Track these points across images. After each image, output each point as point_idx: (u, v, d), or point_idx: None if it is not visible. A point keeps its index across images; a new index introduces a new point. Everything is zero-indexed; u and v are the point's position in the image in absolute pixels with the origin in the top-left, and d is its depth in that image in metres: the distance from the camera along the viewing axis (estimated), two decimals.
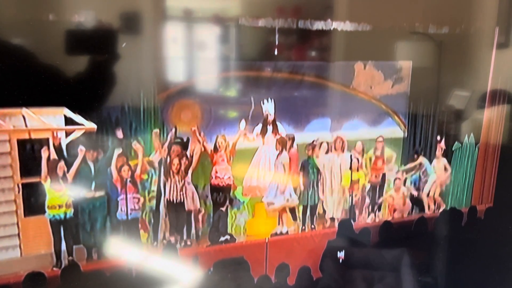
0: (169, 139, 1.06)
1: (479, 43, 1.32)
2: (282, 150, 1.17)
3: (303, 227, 1.24)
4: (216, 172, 1.12)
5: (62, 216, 0.99)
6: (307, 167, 1.21)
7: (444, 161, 1.37)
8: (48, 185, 0.96)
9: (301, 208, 1.22)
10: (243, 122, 1.11)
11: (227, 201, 1.14)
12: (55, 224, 0.99)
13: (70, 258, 1.01)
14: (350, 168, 1.25)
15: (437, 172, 1.37)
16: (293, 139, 1.17)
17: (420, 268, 1.38)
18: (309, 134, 1.18)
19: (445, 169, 1.38)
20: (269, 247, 1.19)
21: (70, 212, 0.99)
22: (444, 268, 1.43)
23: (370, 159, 1.28)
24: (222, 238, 1.15)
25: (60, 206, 0.98)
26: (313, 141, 1.20)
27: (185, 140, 1.08)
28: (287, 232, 1.22)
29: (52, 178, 0.96)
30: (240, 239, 1.17)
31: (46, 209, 0.97)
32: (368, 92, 1.23)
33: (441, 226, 1.41)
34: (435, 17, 1.22)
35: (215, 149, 1.11)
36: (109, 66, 0.95)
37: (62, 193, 0.98)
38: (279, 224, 1.21)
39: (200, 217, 1.13)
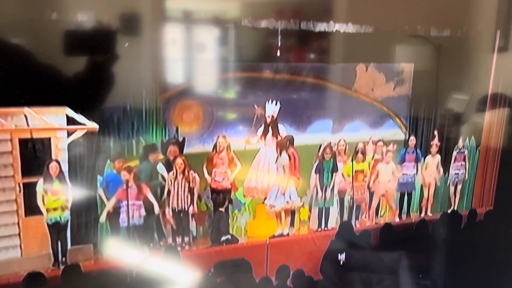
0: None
1: (480, 47, 1.33)
2: (281, 152, 1.17)
3: (319, 229, 1.24)
4: (215, 175, 1.12)
5: (59, 218, 0.99)
6: (322, 169, 1.22)
7: (438, 158, 1.37)
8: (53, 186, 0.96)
9: (310, 210, 1.23)
10: (260, 129, 1.12)
11: (227, 203, 1.14)
12: (53, 225, 0.98)
13: (70, 259, 1.00)
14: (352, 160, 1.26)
15: (429, 169, 1.37)
16: (292, 141, 1.17)
17: (419, 271, 1.38)
18: (311, 135, 1.18)
19: (437, 167, 1.37)
20: (269, 248, 1.19)
21: (68, 213, 0.99)
22: (443, 271, 1.43)
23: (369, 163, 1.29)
24: (223, 238, 1.15)
25: (56, 209, 0.98)
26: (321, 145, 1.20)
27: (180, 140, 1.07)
28: (288, 234, 1.22)
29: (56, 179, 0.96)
30: (241, 240, 1.17)
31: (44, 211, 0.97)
32: (370, 94, 1.23)
33: (441, 229, 1.41)
34: (437, 20, 1.22)
35: (215, 149, 1.10)
36: (112, 67, 0.95)
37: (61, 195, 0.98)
38: (279, 226, 1.20)
39: (201, 218, 1.13)
